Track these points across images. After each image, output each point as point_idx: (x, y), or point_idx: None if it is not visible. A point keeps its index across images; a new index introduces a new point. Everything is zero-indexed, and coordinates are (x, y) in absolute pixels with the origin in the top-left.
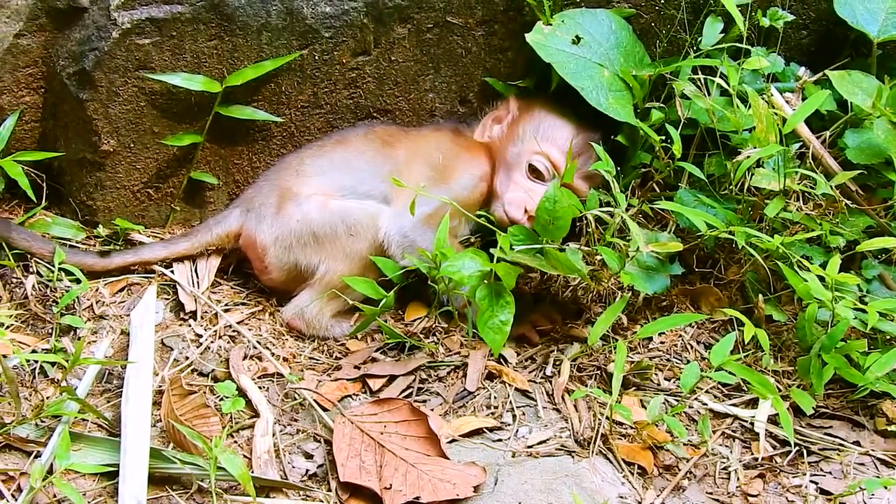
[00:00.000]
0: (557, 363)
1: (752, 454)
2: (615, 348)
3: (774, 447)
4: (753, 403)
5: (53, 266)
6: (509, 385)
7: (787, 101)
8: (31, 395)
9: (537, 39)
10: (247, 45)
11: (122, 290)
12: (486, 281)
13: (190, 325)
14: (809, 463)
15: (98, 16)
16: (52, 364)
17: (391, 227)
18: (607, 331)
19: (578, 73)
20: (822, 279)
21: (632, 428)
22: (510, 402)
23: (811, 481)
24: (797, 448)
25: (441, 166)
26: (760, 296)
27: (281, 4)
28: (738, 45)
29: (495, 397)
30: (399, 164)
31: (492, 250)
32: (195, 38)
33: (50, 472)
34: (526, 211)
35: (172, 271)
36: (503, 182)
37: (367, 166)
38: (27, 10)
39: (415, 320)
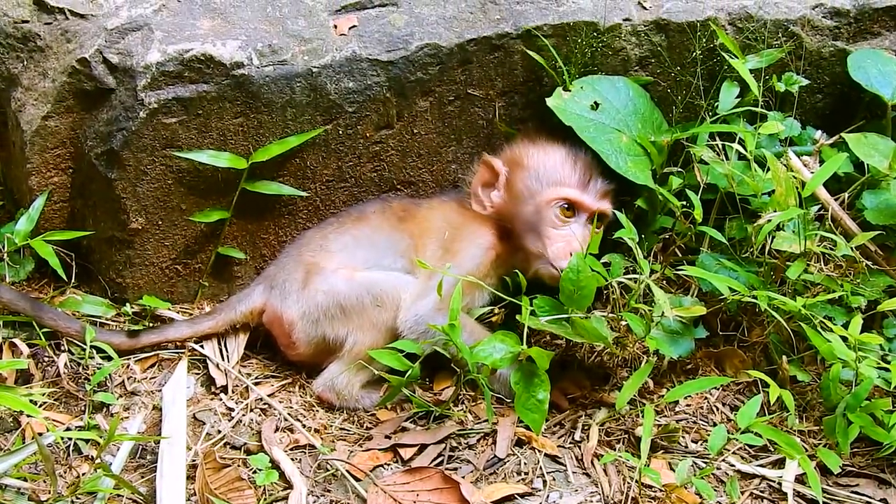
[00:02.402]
0: (586, 428)
1: None
2: (643, 412)
3: None
4: (780, 463)
5: (84, 344)
6: (539, 451)
7: (804, 165)
8: (66, 473)
9: (557, 104)
10: (272, 121)
11: (152, 365)
12: (518, 362)
13: (221, 399)
14: None
15: (125, 96)
16: (87, 441)
17: (407, 314)
18: (634, 395)
19: (597, 138)
20: (844, 339)
21: (661, 491)
22: (540, 468)
23: None
24: None
25: (448, 242)
26: (784, 357)
27: (305, 81)
28: (754, 109)
29: (525, 463)
30: (413, 239)
31: (518, 318)
32: (221, 116)
33: None
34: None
35: (202, 346)
36: (534, 241)
37: (386, 242)
38: (55, 92)
39: (443, 389)
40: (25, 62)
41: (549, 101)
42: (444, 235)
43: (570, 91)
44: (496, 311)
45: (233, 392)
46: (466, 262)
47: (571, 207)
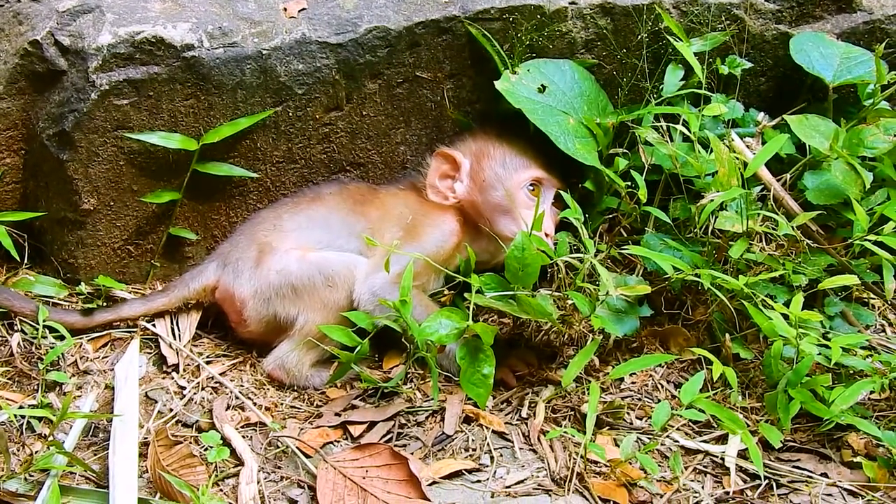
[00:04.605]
0: (533, 405)
1: (724, 488)
2: (588, 389)
3: (745, 481)
4: (723, 439)
5: (37, 324)
6: (486, 428)
7: (747, 146)
8: (19, 450)
9: (505, 87)
10: (222, 103)
11: (105, 345)
12: (464, 338)
13: (173, 378)
14: (779, 495)
15: (77, 78)
16: (40, 419)
17: (363, 288)
18: (580, 373)
19: (546, 120)
20: (786, 317)
21: (606, 466)
22: (488, 445)
23: None
24: (767, 481)
25: (411, 225)
26: (727, 335)
27: (255, 63)
28: (698, 91)
29: (473, 440)
30: (372, 223)
31: (466, 295)
32: (172, 98)
33: None
34: (547, 235)
35: (154, 325)
36: (508, 224)
37: (341, 224)
38: (7, 74)
39: (392, 367)
40: None
41: (498, 85)
42: (406, 220)
43: (517, 74)
44: (445, 292)
45: (184, 371)
46: (429, 245)
47: (538, 187)
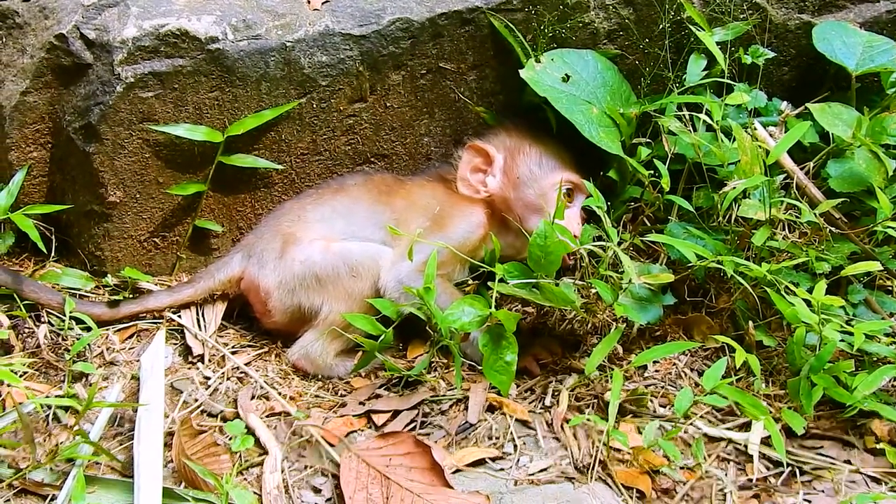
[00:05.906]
0: (556, 393)
1: (747, 475)
2: (611, 377)
3: (768, 468)
4: (746, 427)
5: (64, 315)
6: (510, 416)
7: (770, 135)
8: (45, 441)
9: (530, 75)
10: (247, 95)
11: (131, 336)
12: (487, 326)
13: (198, 368)
14: (802, 482)
15: (102, 71)
16: (66, 409)
17: (389, 276)
18: (603, 361)
19: (571, 109)
20: (808, 304)
21: (629, 453)
22: (511, 433)
23: (804, 500)
24: (790, 468)
25: (438, 216)
26: (750, 322)
27: (279, 55)
28: (720, 80)
29: (496, 428)
30: (397, 213)
31: (489, 283)
32: (197, 90)
33: None
34: (575, 237)
35: (180, 316)
36: (539, 222)
37: (366, 214)
38: (33, 68)
39: (416, 357)
40: (4, 39)
41: (523, 73)
42: (433, 210)
43: (541, 63)
44: (470, 281)
45: (209, 361)
46: (456, 235)
47: (571, 190)
